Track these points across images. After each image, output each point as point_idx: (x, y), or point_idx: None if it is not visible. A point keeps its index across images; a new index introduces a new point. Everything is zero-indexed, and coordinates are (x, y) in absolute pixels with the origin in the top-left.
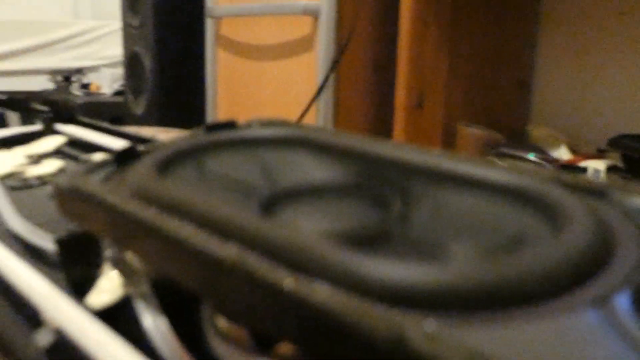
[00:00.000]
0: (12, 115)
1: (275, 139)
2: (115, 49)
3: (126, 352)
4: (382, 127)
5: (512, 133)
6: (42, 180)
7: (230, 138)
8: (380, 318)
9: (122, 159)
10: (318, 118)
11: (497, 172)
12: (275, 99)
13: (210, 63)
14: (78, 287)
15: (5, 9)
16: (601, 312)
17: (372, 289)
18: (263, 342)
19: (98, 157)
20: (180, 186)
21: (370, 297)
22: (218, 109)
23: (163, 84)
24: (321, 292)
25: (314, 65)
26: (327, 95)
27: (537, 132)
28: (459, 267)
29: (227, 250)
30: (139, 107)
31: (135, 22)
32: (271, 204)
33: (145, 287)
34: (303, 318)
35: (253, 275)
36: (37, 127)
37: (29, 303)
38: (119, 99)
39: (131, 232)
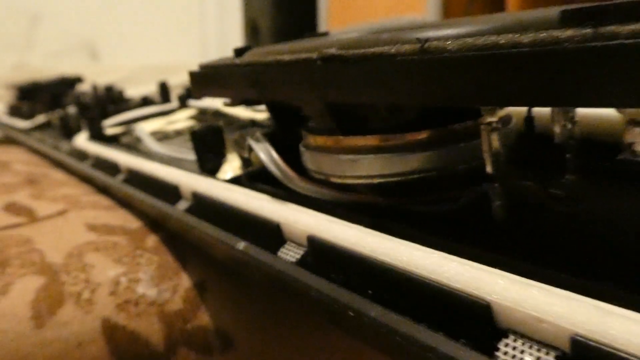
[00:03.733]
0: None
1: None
2: None
3: (245, 190)
4: None
5: None
6: (178, 132)
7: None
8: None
9: (240, 52)
10: None
11: None
12: None
13: None
14: (208, 172)
15: (139, 56)
16: None
17: None
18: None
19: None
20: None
21: None
22: None
23: None
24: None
25: None
26: None
27: None
28: None
29: (317, 53)
30: None
31: None
32: None
33: (258, 135)
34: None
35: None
36: (174, 104)
37: (171, 188)
38: None
39: (247, 78)
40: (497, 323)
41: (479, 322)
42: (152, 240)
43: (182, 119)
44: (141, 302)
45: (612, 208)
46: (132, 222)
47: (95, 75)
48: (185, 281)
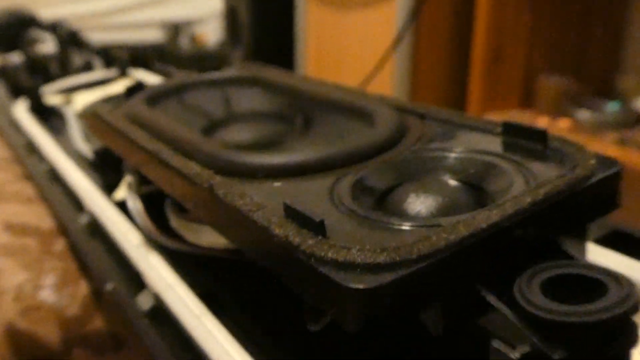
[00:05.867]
0: (98, 63)
1: (238, 78)
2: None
3: (126, 225)
4: (460, 77)
5: (600, 84)
6: None
7: (207, 78)
8: (202, 179)
9: (130, 92)
10: (396, 67)
11: (355, 98)
12: (358, 48)
13: (301, 16)
14: (110, 187)
15: None
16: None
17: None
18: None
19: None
20: (155, 113)
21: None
22: (307, 59)
23: (257, 36)
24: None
25: (393, 15)
26: (406, 45)
27: (624, 82)
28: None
29: (152, 146)
30: (235, 58)
31: None
32: (216, 125)
33: (132, 184)
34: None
35: (158, 159)
36: (114, 72)
37: (77, 197)
38: (219, 50)
39: (117, 140)
40: None
41: None
42: (60, 244)
43: (120, 92)
44: (42, 307)
45: None
46: (47, 221)
47: None
48: (83, 288)
